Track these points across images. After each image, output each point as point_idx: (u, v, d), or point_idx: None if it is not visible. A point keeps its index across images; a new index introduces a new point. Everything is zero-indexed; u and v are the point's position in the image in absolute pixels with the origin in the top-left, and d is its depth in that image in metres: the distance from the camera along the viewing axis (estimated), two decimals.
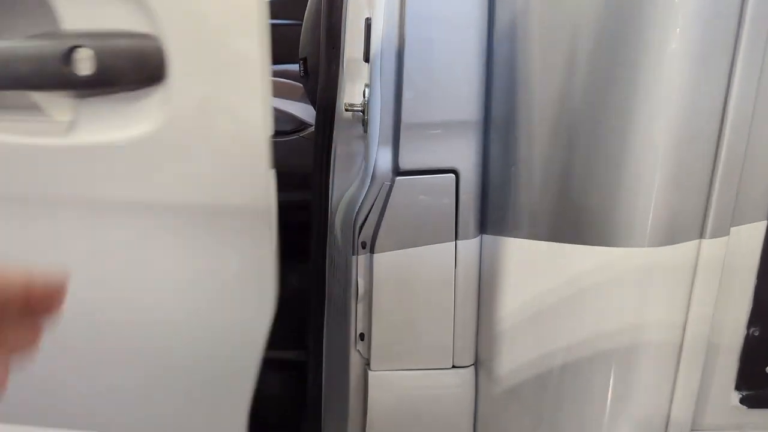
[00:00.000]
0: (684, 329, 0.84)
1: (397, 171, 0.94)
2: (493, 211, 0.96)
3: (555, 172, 0.86)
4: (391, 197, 0.94)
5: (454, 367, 1.02)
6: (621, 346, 0.84)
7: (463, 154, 0.93)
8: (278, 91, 1.58)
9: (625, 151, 0.79)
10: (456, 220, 0.95)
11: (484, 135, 0.94)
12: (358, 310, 1.00)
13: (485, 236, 0.98)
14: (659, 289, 0.83)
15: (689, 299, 0.82)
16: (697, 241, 0.81)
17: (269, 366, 0.96)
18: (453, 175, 0.94)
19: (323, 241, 1.08)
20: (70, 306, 0.40)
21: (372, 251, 0.97)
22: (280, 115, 1.55)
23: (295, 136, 1.56)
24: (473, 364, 1.03)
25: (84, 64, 0.78)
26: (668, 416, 0.85)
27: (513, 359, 0.98)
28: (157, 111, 0.81)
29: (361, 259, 0.98)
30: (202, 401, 0.97)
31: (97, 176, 0.84)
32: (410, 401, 1.02)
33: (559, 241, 0.86)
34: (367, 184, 0.96)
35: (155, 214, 0.86)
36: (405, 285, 0.98)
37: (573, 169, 0.85)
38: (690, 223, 0.81)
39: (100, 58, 0.78)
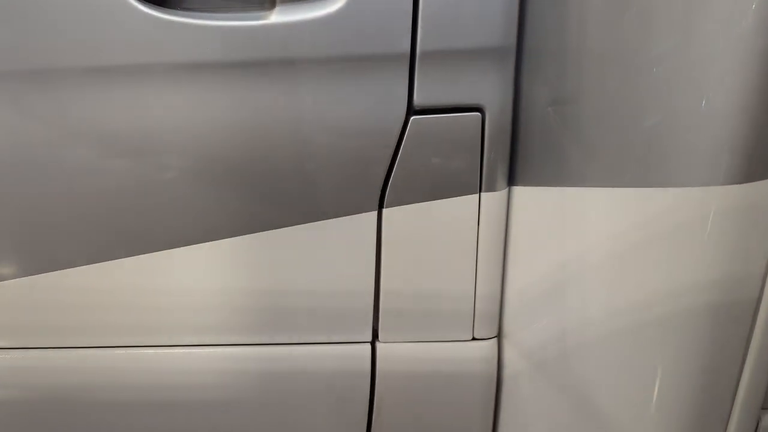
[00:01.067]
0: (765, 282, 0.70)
1: (412, 109, 0.78)
2: (526, 158, 0.81)
3: (614, 109, 0.71)
4: (404, 141, 0.79)
5: (474, 339, 0.88)
6: (695, 305, 0.69)
7: (490, 88, 0.77)
8: None
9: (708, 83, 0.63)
10: (480, 168, 0.80)
11: (516, 65, 0.78)
12: None
13: (515, 188, 0.83)
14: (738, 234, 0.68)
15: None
16: None
17: None
18: (478, 114, 0.78)
19: None
20: None
21: (381, 205, 0.82)
22: None
23: None
24: (496, 336, 0.89)
25: None
26: (734, 393, 0.72)
27: (546, 328, 0.84)
28: None
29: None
30: None
31: None
32: (424, 377, 0.89)
33: (616, 186, 0.71)
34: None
35: None
36: (418, 244, 0.84)
37: (640, 103, 0.69)
38: None
39: None
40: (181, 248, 0.83)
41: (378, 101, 0.77)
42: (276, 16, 0.74)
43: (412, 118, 0.78)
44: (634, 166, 0.70)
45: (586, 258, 0.76)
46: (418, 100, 0.77)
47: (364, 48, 0.75)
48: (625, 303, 0.73)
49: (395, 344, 0.88)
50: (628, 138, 0.71)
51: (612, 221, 0.74)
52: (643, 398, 0.74)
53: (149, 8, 0.73)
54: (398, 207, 0.82)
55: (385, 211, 0.82)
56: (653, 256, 0.71)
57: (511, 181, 0.83)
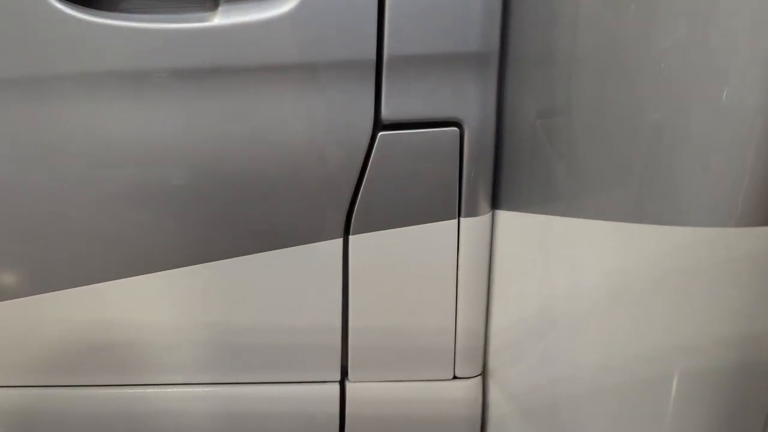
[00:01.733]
0: None
1: (379, 123, 0.68)
2: (511, 179, 0.71)
3: (612, 125, 0.61)
4: (371, 160, 0.69)
5: (455, 377, 0.79)
6: (702, 364, 0.59)
7: (469, 99, 0.67)
8: None
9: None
10: (459, 190, 0.70)
11: (500, 73, 0.68)
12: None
13: (499, 212, 0.73)
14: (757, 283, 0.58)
15: None
16: None
17: None
18: (456, 129, 0.68)
19: None
20: None
21: (347, 232, 0.72)
22: None
23: None
24: (481, 374, 0.80)
25: None
26: None
27: (536, 371, 0.75)
28: None
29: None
30: None
31: None
32: (399, 421, 0.80)
33: (612, 219, 0.61)
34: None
35: None
36: (390, 275, 0.74)
37: (642, 119, 0.59)
38: None
39: None
40: (128, 279, 0.73)
41: (340, 115, 0.68)
42: (219, 18, 0.64)
43: (379, 133, 0.68)
44: (636, 197, 0.60)
45: (578, 298, 0.67)
46: (386, 113, 0.67)
47: (322, 54, 0.65)
48: (621, 356, 0.63)
49: (366, 384, 0.79)
50: (628, 161, 0.60)
51: (608, 259, 0.64)
52: None
53: (73, 10, 0.63)
54: (366, 234, 0.72)
55: (351, 238, 0.72)
56: (655, 303, 0.61)
57: (495, 204, 0.73)
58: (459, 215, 0.71)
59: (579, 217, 0.64)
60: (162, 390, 0.79)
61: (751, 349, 0.58)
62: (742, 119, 0.55)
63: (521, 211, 0.71)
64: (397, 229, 0.72)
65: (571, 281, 0.67)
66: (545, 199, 0.68)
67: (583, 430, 0.68)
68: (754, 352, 0.59)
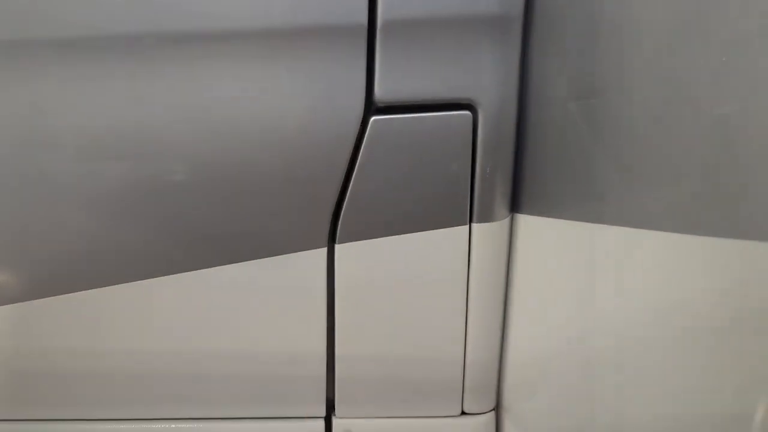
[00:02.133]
0: None
1: (372, 106, 0.54)
2: (536, 177, 0.58)
3: (673, 108, 0.47)
4: (361, 151, 0.56)
5: (464, 413, 0.66)
6: None
7: (485, 75, 0.54)
8: None
9: None
10: (471, 190, 0.57)
11: (523, 41, 0.54)
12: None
13: (520, 216, 0.60)
14: None
15: None
16: None
17: None
18: (468, 113, 0.55)
19: None
20: None
21: (333, 239, 0.59)
22: None
23: None
24: (494, 410, 0.67)
25: None
26: None
27: (562, 410, 0.62)
28: None
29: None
30: None
31: None
32: None
33: (673, 230, 0.48)
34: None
35: None
36: (385, 292, 0.61)
37: (716, 97, 0.45)
38: None
39: None
40: (75, 294, 0.60)
41: (324, 95, 0.54)
42: None
43: (372, 118, 0.55)
44: (707, 202, 0.46)
45: (625, 326, 0.53)
46: (380, 93, 0.54)
47: (299, 17, 0.52)
48: (682, 407, 0.50)
49: (356, 420, 0.66)
50: (695, 156, 0.47)
51: (661, 280, 0.50)
52: None
53: None
54: (356, 242, 0.59)
55: (337, 247, 0.59)
56: (719, 344, 0.47)
57: (515, 207, 0.59)
58: (470, 220, 0.58)
59: (628, 225, 0.50)
60: (122, 426, 0.66)
61: None
62: None
63: (548, 216, 0.58)
64: (393, 237, 0.58)
65: (614, 305, 0.53)
66: (580, 201, 0.54)
67: None
68: None
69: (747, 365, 0.47)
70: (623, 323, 0.53)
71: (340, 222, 0.58)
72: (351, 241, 0.59)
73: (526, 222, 0.59)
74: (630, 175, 0.51)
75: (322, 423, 0.67)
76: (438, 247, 0.59)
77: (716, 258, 0.47)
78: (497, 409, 0.68)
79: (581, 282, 0.56)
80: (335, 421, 0.67)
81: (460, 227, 0.58)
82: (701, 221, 0.48)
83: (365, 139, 0.55)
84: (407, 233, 0.59)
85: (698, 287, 0.49)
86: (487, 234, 0.59)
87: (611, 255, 0.52)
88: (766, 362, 0.46)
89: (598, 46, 0.51)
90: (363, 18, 0.52)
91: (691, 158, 0.48)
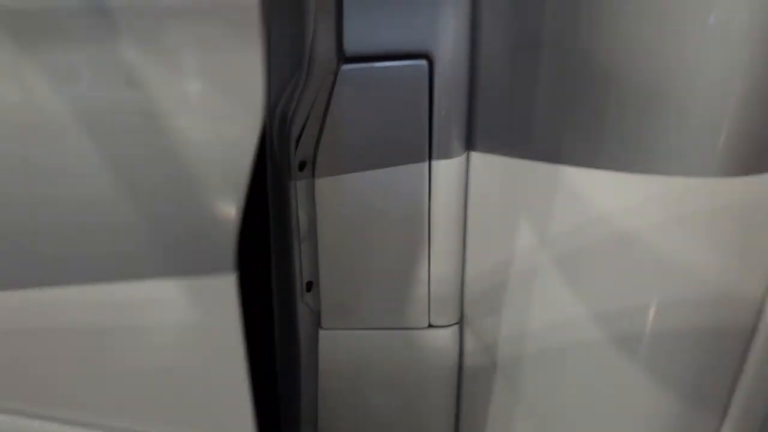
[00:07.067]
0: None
1: (342, 56, 0.62)
2: (487, 118, 0.65)
3: (606, 62, 0.54)
4: (334, 97, 0.64)
5: (430, 326, 0.75)
6: (681, 322, 0.55)
7: (440, 29, 0.61)
8: None
9: None
10: (430, 129, 0.65)
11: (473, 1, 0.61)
12: (302, 252, 0.74)
13: (474, 154, 0.67)
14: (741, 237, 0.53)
15: None
16: None
17: None
18: (425, 62, 0.62)
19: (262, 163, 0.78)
20: None
21: (313, 174, 0.68)
22: None
23: None
24: (457, 323, 0.76)
25: None
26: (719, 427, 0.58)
27: (509, 322, 0.71)
28: None
29: (301, 184, 0.70)
30: None
31: None
32: (373, 369, 0.78)
33: (598, 167, 0.55)
34: (302, 78, 0.66)
35: None
36: (360, 219, 0.70)
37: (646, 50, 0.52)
38: None
39: None
40: None
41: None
42: None
43: (342, 67, 0.62)
44: (631, 144, 0.54)
45: (558, 247, 0.61)
46: (347, 45, 0.61)
47: None
48: (596, 310, 0.59)
49: (339, 331, 0.76)
50: (624, 101, 0.54)
51: (591, 207, 0.58)
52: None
53: None
54: (329, 177, 0.67)
55: (317, 182, 0.68)
56: (635, 257, 0.55)
57: (470, 145, 0.67)
58: (430, 157, 0.66)
59: (560, 163, 0.58)
60: None
61: (729, 311, 0.53)
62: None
63: (498, 154, 0.65)
64: (361, 173, 0.67)
65: (550, 230, 0.62)
66: (525, 141, 0.62)
67: (558, 389, 0.65)
68: (733, 314, 0.54)
69: (647, 275, 0.55)
70: (556, 242, 0.61)
71: (310, 157, 0.67)
72: (325, 176, 0.67)
73: (479, 158, 0.67)
74: (564, 118, 0.58)
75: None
76: (402, 180, 0.67)
77: (633, 188, 0.54)
78: (460, 322, 0.77)
79: (525, 209, 0.64)
80: (321, 332, 0.77)
81: (420, 163, 0.66)
82: (625, 159, 0.55)
83: (337, 85, 0.63)
84: (375, 169, 0.67)
85: (617, 212, 0.56)
86: (444, 169, 0.66)
87: (548, 186, 0.60)
88: (657, 273, 0.54)
89: (539, 12, 0.58)
90: None
91: (621, 100, 0.55)
